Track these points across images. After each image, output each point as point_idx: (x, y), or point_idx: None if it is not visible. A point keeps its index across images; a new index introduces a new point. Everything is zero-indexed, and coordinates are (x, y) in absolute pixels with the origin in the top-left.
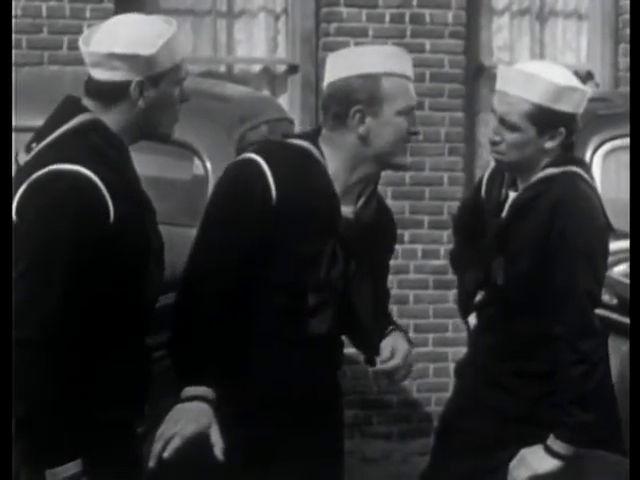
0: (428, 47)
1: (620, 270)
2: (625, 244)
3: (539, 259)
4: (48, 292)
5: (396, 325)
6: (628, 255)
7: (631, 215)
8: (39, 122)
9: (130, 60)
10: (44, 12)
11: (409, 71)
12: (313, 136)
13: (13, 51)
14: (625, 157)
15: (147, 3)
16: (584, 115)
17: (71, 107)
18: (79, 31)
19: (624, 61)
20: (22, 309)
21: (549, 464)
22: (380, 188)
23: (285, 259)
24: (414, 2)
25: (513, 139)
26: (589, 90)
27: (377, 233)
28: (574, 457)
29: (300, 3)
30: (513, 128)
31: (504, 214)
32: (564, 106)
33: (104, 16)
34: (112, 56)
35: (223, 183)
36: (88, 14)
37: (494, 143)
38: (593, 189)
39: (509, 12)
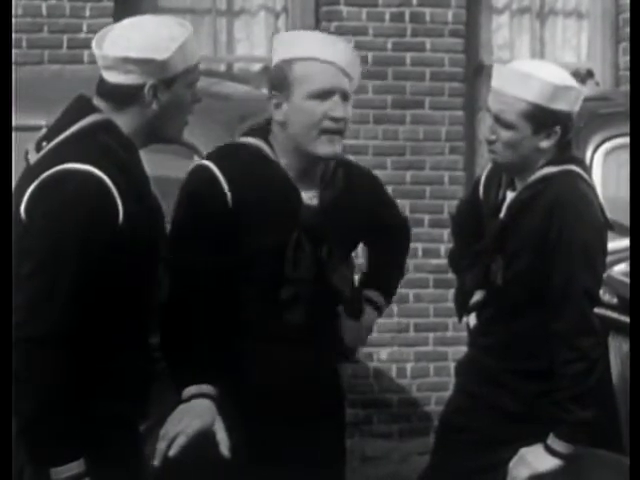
0: (428, 46)
1: (620, 269)
2: (625, 243)
3: (538, 259)
4: (57, 291)
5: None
6: (628, 254)
7: (631, 214)
8: (39, 121)
9: (144, 64)
10: (44, 11)
11: (334, 55)
12: (263, 129)
13: (13, 50)
14: (625, 156)
15: (146, 2)
16: (585, 114)
17: (82, 106)
18: (79, 30)
19: (624, 60)
20: (30, 307)
21: (549, 463)
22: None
23: (251, 257)
24: (414, 1)
25: (508, 138)
26: (585, 89)
27: (352, 208)
28: (574, 456)
29: (300, 1)
30: (508, 127)
31: (502, 215)
32: (560, 105)
33: (104, 15)
34: (126, 60)
35: (182, 192)
36: (88, 13)
37: (490, 142)
38: (591, 188)
39: (509, 10)
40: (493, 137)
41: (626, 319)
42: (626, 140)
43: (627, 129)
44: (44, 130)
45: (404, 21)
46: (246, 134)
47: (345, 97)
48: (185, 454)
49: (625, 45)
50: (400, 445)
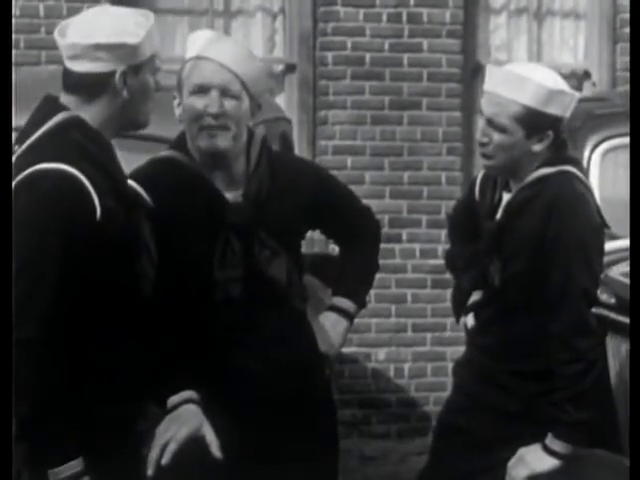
0: (425, 46)
1: (619, 269)
2: (624, 243)
3: (535, 260)
4: (41, 292)
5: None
6: (626, 254)
7: (631, 215)
8: None
9: (115, 50)
10: (42, 12)
11: (215, 53)
12: (180, 138)
13: (14, 51)
14: (623, 156)
15: (143, 4)
16: (582, 114)
17: (50, 106)
18: None
19: (622, 60)
20: (17, 310)
21: (547, 463)
22: (378, 187)
23: (183, 265)
24: (411, 1)
25: (501, 140)
26: (578, 94)
27: (282, 197)
28: (572, 456)
29: (297, 2)
30: (501, 130)
31: (499, 216)
32: (553, 109)
33: None
34: (97, 47)
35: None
36: None
37: (482, 144)
38: (588, 188)
39: (506, 11)
40: (485, 140)
41: (624, 319)
42: (623, 141)
43: (624, 130)
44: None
45: (401, 22)
46: (167, 148)
47: (225, 93)
48: (178, 461)
49: (622, 46)
50: (398, 445)
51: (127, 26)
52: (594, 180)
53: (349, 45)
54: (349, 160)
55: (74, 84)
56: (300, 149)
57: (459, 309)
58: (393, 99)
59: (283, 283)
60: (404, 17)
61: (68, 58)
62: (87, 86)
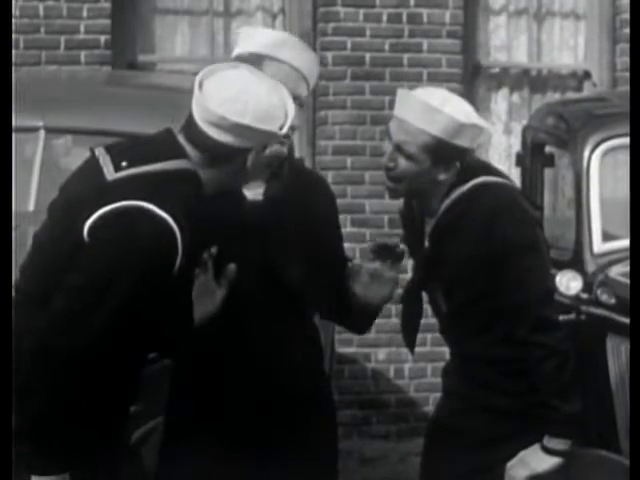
0: (425, 47)
1: (618, 270)
2: (623, 243)
3: (485, 276)
4: (95, 312)
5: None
6: (626, 255)
7: (631, 215)
8: (37, 122)
9: (262, 134)
10: (41, 12)
11: (296, 60)
12: None
13: (13, 51)
14: (623, 156)
15: (144, 3)
16: (582, 115)
17: (172, 146)
18: (76, 31)
19: (621, 61)
20: (64, 319)
21: (548, 462)
22: (378, 187)
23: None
24: (411, 2)
25: (407, 167)
26: (487, 126)
27: (299, 203)
28: (572, 452)
29: (297, 3)
30: (409, 157)
31: (427, 242)
32: (462, 141)
33: (101, 16)
34: (246, 128)
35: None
36: (85, 14)
37: (388, 169)
38: (505, 186)
39: (506, 12)
40: (391, 164)
41: (624, 320)
42: (623, 141)
43: (624, 130)
44: (120, 143)
45: (401, 22)
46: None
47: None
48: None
49: (622, 46)
50: (398, 446)
51: (274, 110)
52: (594, 180)
53: (349, 45)
54: (349, 160)
55: (203, 145)
56: (300, 149)
57: (411, 340)
58: (393, 99)
59: (297, 284)
60: (404, 17)
61: (205, 121)
62: (217, 154)
